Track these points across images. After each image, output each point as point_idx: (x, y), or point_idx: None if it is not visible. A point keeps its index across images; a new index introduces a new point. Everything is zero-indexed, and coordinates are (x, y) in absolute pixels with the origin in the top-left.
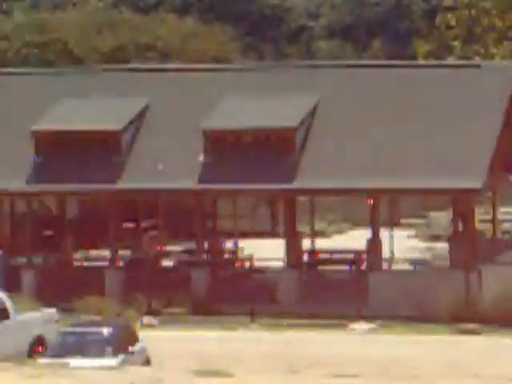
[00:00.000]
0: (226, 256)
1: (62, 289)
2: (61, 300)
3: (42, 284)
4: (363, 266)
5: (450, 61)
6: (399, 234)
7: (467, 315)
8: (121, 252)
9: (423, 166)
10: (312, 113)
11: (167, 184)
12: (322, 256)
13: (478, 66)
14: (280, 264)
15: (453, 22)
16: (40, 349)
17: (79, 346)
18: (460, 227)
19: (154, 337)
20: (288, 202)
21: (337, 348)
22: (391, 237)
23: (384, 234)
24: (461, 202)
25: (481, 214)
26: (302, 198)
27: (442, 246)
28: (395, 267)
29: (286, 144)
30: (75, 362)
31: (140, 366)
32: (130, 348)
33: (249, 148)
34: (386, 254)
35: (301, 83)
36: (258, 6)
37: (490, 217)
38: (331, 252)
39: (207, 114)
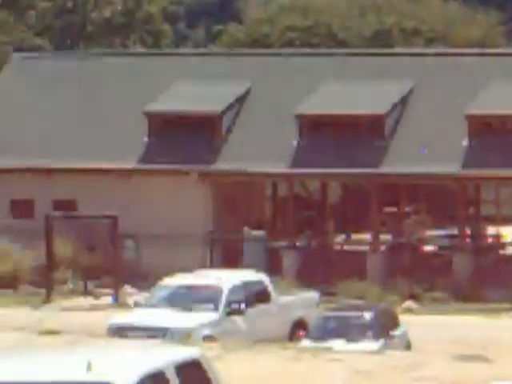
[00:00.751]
0: (489, 242)
1: (322, 272)
2: (321, 283)
3: (302, 266)
4: None
5: None
6: None
7: None
8: (382, 236)
9: None
10: None
11: (430, 168)
12: None
13: None
14: None
15: None
16: (301, 332)
17: (340, 330)
18: None
19: (414, 321)
20: None
21: None
22: None
23: None
24: None
25: None
26: None
27: None
28: None
29: None
30: (337, 345)
31: (401, 351)
32: (391, 332)
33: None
34: None
35: None
36: None
37: None
38: None
39: (472, 98)
